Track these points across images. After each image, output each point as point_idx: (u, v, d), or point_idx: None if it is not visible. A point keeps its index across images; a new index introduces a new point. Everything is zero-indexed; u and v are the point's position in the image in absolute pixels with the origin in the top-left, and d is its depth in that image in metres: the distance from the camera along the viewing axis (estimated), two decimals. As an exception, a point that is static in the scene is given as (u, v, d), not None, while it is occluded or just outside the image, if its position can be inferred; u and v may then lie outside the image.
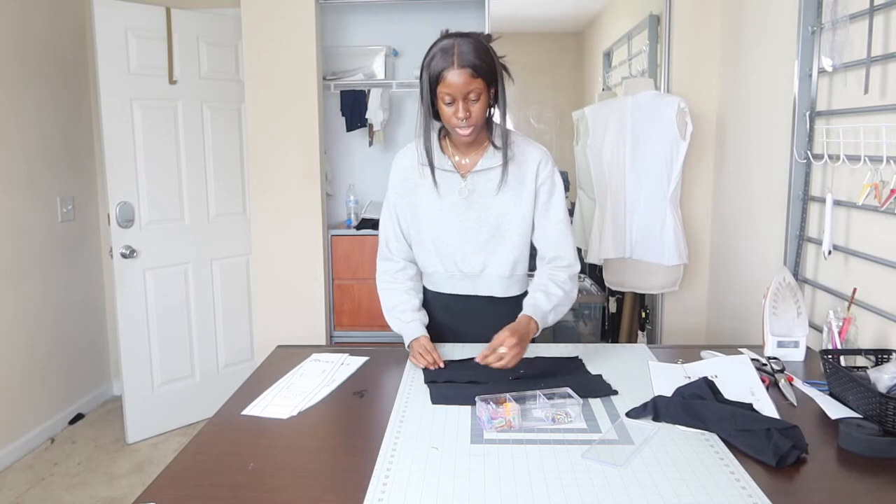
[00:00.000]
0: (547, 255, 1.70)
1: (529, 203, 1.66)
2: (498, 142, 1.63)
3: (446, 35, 1.55)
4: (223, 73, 3.18)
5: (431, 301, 1.79)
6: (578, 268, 1.70)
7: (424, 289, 1.81)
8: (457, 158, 1.67)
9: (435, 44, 1.55)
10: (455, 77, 1.49)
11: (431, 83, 1.53)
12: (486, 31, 2.89)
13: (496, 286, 1.74)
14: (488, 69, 1.52)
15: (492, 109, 1.60)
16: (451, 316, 1.78)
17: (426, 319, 1.73)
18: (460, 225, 1.67)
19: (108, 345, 3.60)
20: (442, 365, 1.56)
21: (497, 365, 1.43)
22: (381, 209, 1.79)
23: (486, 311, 1.75)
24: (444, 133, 1.67)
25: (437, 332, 1.74)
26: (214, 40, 3.13)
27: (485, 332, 1.74)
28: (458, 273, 1.73)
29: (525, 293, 1.75)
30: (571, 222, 3.13)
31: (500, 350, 1.43)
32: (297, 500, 1.05)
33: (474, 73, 1.49)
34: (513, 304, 1.73)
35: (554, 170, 1.68)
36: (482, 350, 1.48)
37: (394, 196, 1.73)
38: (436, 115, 1.59)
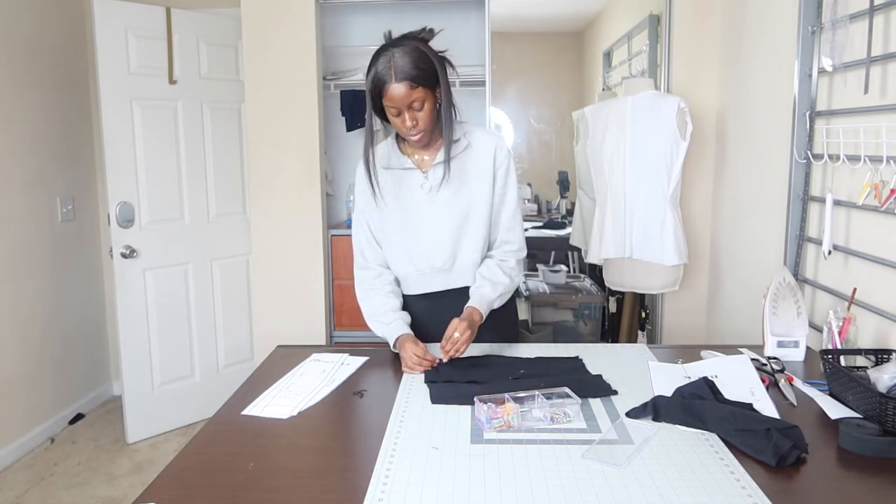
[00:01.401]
0: (498, 239, 1.75)
1: (490, 188, 1.70)
2: (450, 135, 1.65)
3: (384, 44, 1.57)
4: (223, 73, 3.18)
5: (409, 306, 1.78)
6: (525, 252, 1.78)
7: (403, 294, 1.80)
8: (416, 156, 1.70)
9: (376, 54, 1.57)
10: (395, 91, 1.52)
11: (374, 98, 1.57)
12: (487, 32, 2.89)
13: (470, 275, 1.75)
14: (427, 76, 1.54)
15: (440, 107, 1.62)
16: (429, 315, 1.78)
17: (409, 319, 1.72)
18: (427, 221, 1.69)
19: (108, 345, 3.60)
20: (436, 363, 1.57)
21: (453, 351, 1.55)
22: (353, 220, 1.81)
23: (462, 305, 1.74)
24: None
25: (419, 334, 1.72)
26: (214, 40, 3.13)
27: None
28: (430, 270, 1.74)
29: None
30: (571, 222, 3.16)
31: (455, 335, 1.55)
32: (297, 500, 1.05)
33: (413, 84, 1.52)
34: None
35: (509, 155, 1.73)
36: (441, 344, 1.57)
37: (362, 203, 1.75)
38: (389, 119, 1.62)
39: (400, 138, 1.71)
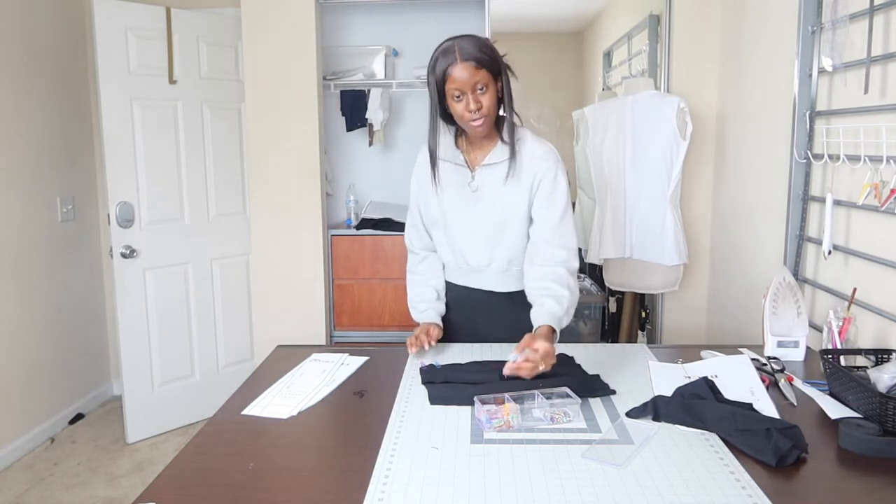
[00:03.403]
0: (546, 249, 1.64)
1: (528, 197, 1.67)
2: (506, 136, 1.66)
3: (446, 39, 1.61)
4: (223, 73, 3.18)
5: (448, 291, 1.84)
6: (577, 263, 1.67)
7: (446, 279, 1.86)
8: (469, 154, 1.72)
9: (437, 49, 1.60)
10: (459, 72, 1.54)
11: (439, 84, 1.58)
12: (487, 32, 2.89)
13: (497, 281, 1.77)
14: (491, 61, 1.57)
15: (500, 102, 1.64)
16: (457, 307, 1.82)
17: (442, 309, 1.79)
18: (469, 219, 1.71)
19: (108, 345, 3.60)
20: (426, 346, 1.62)
21: (529, 366, 1.36)
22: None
23: (486, 306, 1.79)
24: (462, 132, 1.71)
25: (446, 321, 1.80)
26: (214, 40, 3.13)
27: (484, 327, 1.78)
28: (466, 266, 1.77)
29: (520, 291, 1.71)
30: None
31: (534, 350, 1.36)
32: (297, 500, 1.05)
33: (478, 65, 1.54)
34: (510, 300, 1.76)
35: (557, 165, 1.66)
36: (513, 352, 1.40)
37: (415, 188, 1.80)
38: (450, 118, 1.65)
39: (457, 134, 1.72)
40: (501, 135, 1.67)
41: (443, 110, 1.63)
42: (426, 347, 1.64)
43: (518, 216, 1.69)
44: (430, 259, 1.84)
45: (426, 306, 1.77)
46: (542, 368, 1.36)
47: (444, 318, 1.79)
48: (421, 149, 1.77)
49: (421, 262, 1.84)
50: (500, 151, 1.67)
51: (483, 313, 1.80)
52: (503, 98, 1.63)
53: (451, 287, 1.83)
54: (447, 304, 1.82)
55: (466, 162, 1.71)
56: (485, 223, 1.70)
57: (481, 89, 1.56)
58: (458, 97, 1.56)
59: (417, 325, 1.77)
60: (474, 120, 1.58)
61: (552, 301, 1.56)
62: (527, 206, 1.67)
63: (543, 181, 1.65)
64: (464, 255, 1.76)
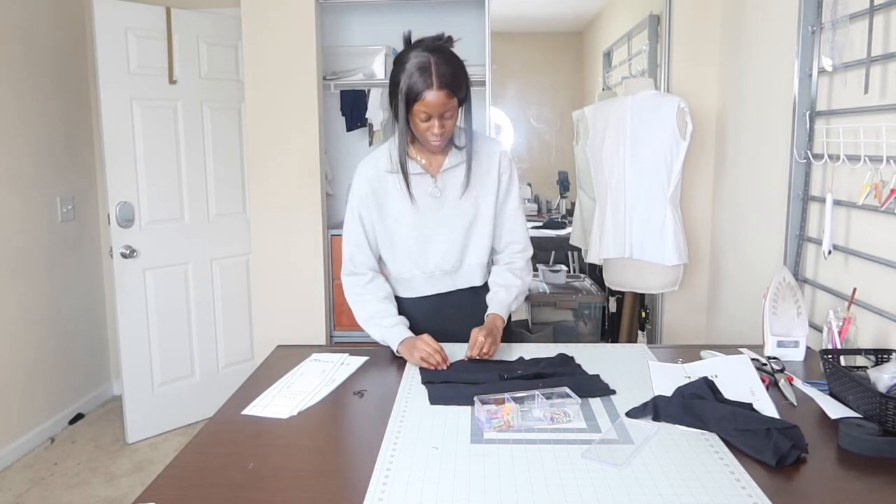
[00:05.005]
0: (503, 240, 1.79)
1: (495, 192, 1.74)
2: (458, 142, 1.69)
3: (416, 48, 1.56)
4: (223, 73, 3.18)
5: (410, 308, 1.78)
6: (531, 251, 1.82)
7: (402, 298, 1.80)
8: (423, 161, 1.71)
9: (406, 56, 1.56)
10: (434, 98, 1.53)
11: (408, 101, 1.55)
12: (487, 32, 2.89)
13: (476, 276, 1.79)
14: (462, 88, 1.58)
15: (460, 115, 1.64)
16: (432, 316, 1.78)
17: (408, 323, 1.72)
18: (436, 224, 1.71)
19: (108, 345, 3.60)
20: (446, 366, 1.55)
21: (479, 352, 1.58)
22: (344, 225, 1.77)
23: (467, 303, 1.78)
24: (410, 138, 1.67)
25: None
26: (214, 40, 3.13)
27: (470, 324, 1.73)
28: (438, 272, 1.76)
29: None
30: (571, 222, 3.15)
31: (479, 339, 1.58)
32: (297, 500, 1.05)
33: (451, 94, 1.55)
34: (481, 292, 1.79)
35: (511, 159, 1.79)
36: (466, 354, 1.61)
37: (360, 206, 1.73)
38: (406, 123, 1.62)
39: (407, 142, 1.68)
40: (453, 140, 1.69)
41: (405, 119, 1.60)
42: (445, 367, 1.55)
43: (487, 214, 1.74)
44: (378, 279, 1.77)
45: (395, 321, 1.69)
46: (485, 349, 1.59)
47: (414, 330, 1.70)
48: (361, 164, 1.73)
49: (369, 282, 1.75)
50: (456, 155, 1.70)
51: (460, 313, 1.77)
52: (465, 109, 1.63)
53: (414, 301, 1.78)
54: (414, 317, 1.76)
55: (424, 168, 1.70)
56: (455, 225, 1.72)
57: (449, 116, 1.57)
58: (424, 119, 1.56)
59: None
60: (436, 141, 1.60)
61: (503, 292, 1.74)
62: (494, 204, 1.74)
63: (503, 176, 1.75)
64: (435, 262, 1.74)
